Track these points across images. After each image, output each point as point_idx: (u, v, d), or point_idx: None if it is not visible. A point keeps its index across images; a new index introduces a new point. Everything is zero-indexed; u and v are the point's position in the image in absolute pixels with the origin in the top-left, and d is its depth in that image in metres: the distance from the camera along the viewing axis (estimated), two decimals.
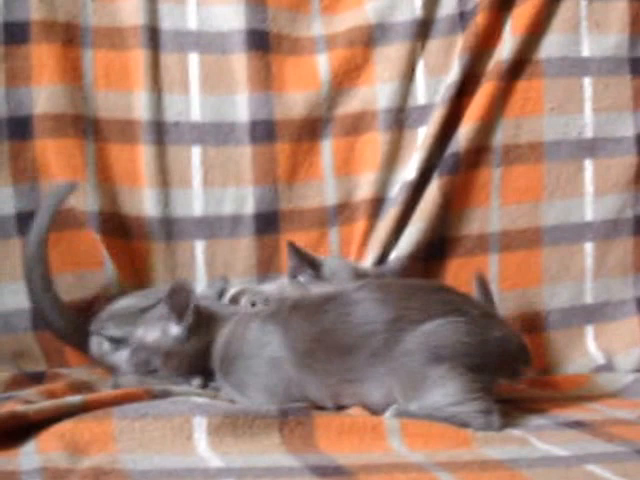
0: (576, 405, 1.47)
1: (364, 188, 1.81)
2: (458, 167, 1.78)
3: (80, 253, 1.70)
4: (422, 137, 1.81)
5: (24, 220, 1.65)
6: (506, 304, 1.81)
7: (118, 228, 1.71)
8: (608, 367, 1.78)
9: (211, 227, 1.75)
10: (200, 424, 1.12)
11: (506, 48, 1.79)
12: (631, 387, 1.62)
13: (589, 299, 1.84)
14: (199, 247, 1.75)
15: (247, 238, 1.76)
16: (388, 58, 1.82)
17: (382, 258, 1.77)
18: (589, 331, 1.84)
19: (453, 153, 1.78)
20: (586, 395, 1.59)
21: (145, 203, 1.73)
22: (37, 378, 1.46)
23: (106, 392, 1.25)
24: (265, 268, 1.76)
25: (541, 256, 1.83)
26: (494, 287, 1.81)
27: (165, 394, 1.29)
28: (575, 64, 1.82)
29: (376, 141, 1.81)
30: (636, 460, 1.12)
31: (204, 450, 1.08)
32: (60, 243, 1.68)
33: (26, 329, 1.64)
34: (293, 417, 1.17)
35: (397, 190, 1.80)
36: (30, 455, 1.04)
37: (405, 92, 1.82)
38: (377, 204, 1.80)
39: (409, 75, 1.82)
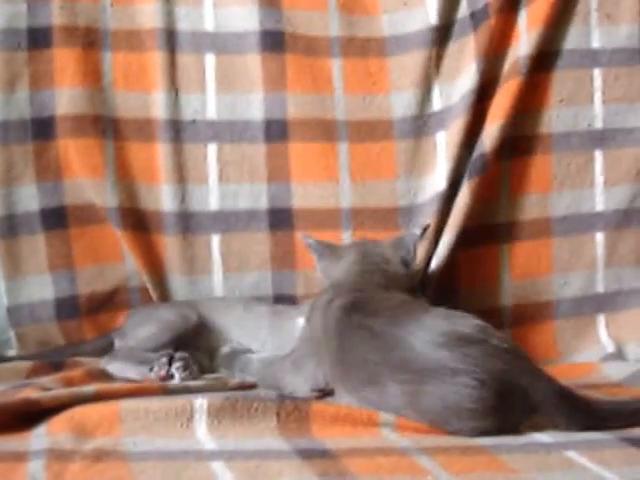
0: None
1: (382, 196, 1.83)
2: (486, 167, 1.80)
3: (101, 247, 1.79)
4: (444, 145, 1.82)
5: (48, 216, 1.75)
6: (517, 293, 1.85)
7: (137, 223, 1.79)
8: (618, 356, 1.81)
9: (226, 221, 1.81)
10: (201, 406, 1.19)
11: (523, 45, 1.80)
12: (636, 376, 1.65)
13: (600, 288, 1.86)
14: (215, 240, 1.81)
15: (261, 233, 1.81)
16: (403, 67, 1.83)
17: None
18: (600, 320, 1.86)
19: (480, 155, 1.80)
20: (591, 384, 1.62)
21: (163, 198, 1.80)
22: (57, 366, 1.54)
23: (120, 386, 1.32)
24: (280, 263, 1.82)
25: (552, 246, 1.86)
26: (506, 276, 1.86)
27: (180, 390, 1.35)
28: (585, 56, 1.83)
29: (393, 149, 1.83)
30: (617, 448, 1.16)
31: (203, 433, 1.16)
32: (82, 238, 1.77)
33: (50, 319, 1.73)
34: (290, 402, 1.24)
35: (427, 200, 1.81)
36: (40, 437, 1.12)
37: (421, 100, 1.83)
38: (394, 213, 1.83)
39: (425, 82, 1.84)
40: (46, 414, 1.18)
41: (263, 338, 1.65)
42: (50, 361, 1.56)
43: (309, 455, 1.08)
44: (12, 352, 1.71)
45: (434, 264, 1.81)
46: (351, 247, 1.62)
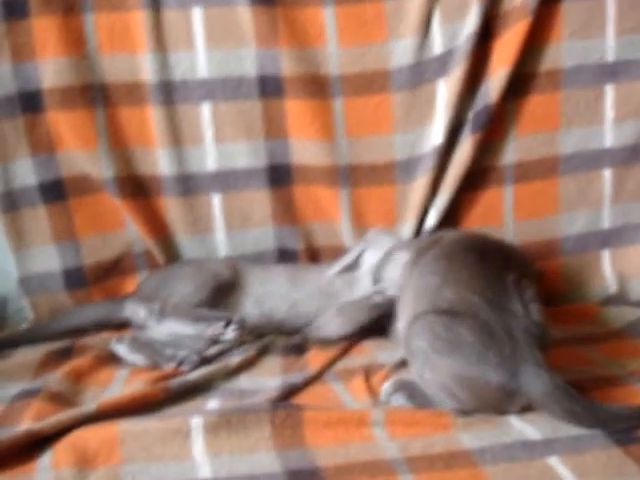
0: (574, 354, 1.54)
1: (379, 151, 1.79)
2: (490, 119, 1.75)
3: (102, 216, 1.79)
4: (444, 93, 1.75)
5: (46, 189, 1.74)
6: (522, 232, 1.84)
7: (135, 189, 1.78)
8: (620, 296, 1.82)
9: (226, 180, 1.80)
10: (197, 424, 1.23)
11: None
12: (636, 325, 1.67)
13: (606, 224, 1.86)
14: (216, 200, 1.81)
15: (261, 190, 1.80)
16: (401, 11, 1.73)
17: (419, 224, 1.81)
18: (605, 256, 1.87)
19: (485, 106, 1.74)
20: (591, 334, 1.65)
21: (159, 162, 1.77)
22: (65, 353, 1.58)
23: (121, 396, 1.34)
24: (281, 219, 1.82)
25: (558, 185, 1.83)
26: (510, 217, 1.84)
27: (181, 388, 1.39)
28: None
29: (390, 101, 1.77)
30: (601, 449, 1.18)
31: (199, 451, 1.20)
32: (82, 208, 1.77)
33: (60, 289, 1.77)
34: (283, 410, 1.27)
35: (425, 153, 1.77)
36: (44, 472, 1.16)
37: (420, 46, 1.74)
38: (392, 167, 1.79)
39: (424, 26, 1.74)
40: (50, 438, 1.22)
41: (285, 296, 1.68)
42: (58, 349, 1.60)
43: (297, 478, 1.13)
44: (25, 324, 1.76)
45: (433, 215, 1.80)
46: None
